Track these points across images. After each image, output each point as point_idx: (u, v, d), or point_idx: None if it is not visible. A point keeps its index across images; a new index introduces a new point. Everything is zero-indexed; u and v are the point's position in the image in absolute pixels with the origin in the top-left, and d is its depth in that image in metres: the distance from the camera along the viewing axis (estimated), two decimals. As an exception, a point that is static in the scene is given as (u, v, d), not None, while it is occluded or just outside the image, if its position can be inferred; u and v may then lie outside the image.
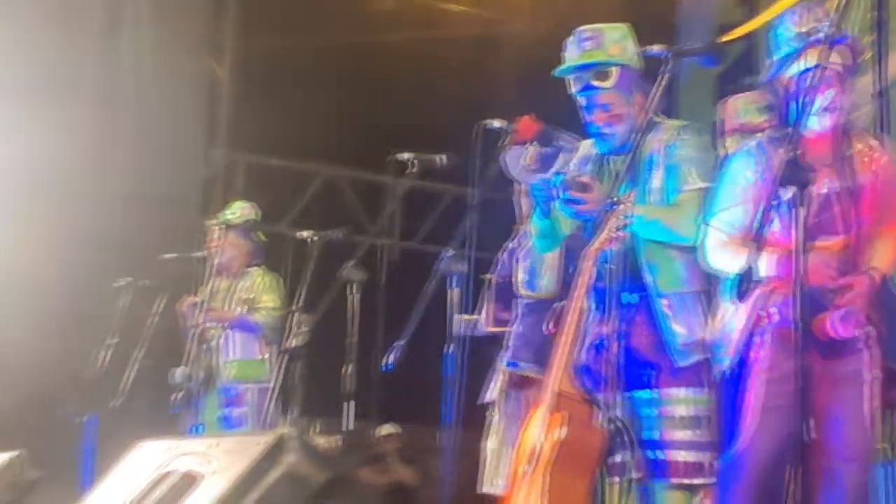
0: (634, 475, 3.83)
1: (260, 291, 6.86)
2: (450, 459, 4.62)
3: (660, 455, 4.03)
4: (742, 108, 5.11)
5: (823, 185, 3.78)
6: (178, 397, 6.13)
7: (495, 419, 5.14)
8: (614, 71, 4.19)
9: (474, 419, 5.06)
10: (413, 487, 9.15)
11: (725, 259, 3.85)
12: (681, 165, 4.14)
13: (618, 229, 3.83)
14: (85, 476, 6.28)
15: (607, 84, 4.19)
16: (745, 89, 5.29)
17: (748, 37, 7.39)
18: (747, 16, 7.92)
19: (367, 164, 9.62)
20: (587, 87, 4.22)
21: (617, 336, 3.75)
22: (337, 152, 9.87)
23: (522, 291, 5.09)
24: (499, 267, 5.40)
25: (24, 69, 8.33)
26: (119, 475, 3.23)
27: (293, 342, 5.17)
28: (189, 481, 2.86)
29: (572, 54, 4.25)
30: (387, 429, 9.53)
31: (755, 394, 3.72)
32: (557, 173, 4.22)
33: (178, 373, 6.26)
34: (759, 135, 4.10)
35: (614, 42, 4.22)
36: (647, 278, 4.08)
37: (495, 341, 5.27)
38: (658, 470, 4.03)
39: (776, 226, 3.74)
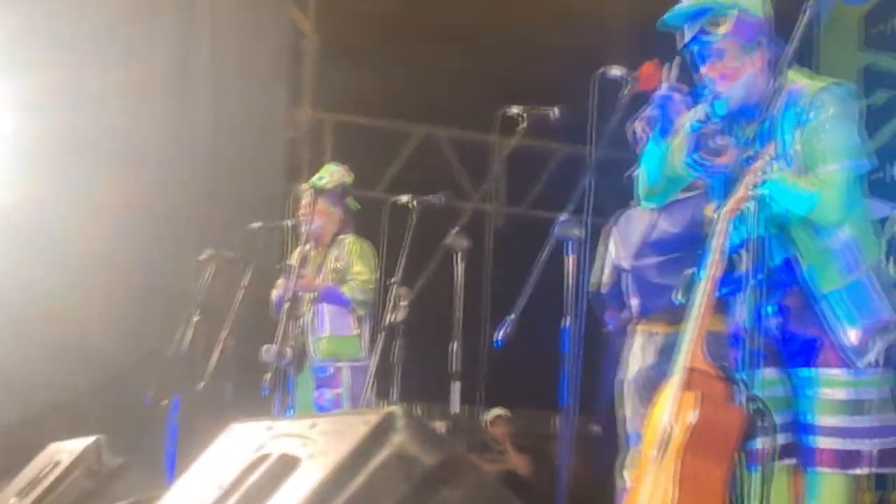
0: (786, 462, 3.80)
1: (351, 261, 6.88)
2: (567, 446, 4.60)
3: (813, 441, 3.97)
4: None
5: None
6: (268, 378, 6.18)
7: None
8: (732, 15, 4.05)
9: (593, 401, 5.05)
10: (525, 476, 9.17)
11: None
12: (819, 138, 4.01)
13: (754, 187, 3.77)
14: (169, 462, 6.39)
15: (722, 30, 4.05)
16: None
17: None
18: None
19: (467, 121, 9.60)
20: (699, 35, 4.08)
21: (766, 307, 3.70)
22: (434, 109, 9.89)
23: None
24: None
25: (97, 30, 8.46)
26: (211, 459, 3.29)
27: (392, 317, 5.19)
28: (286, 465, 2.89)
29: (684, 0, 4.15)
30: (496, 412, 9.56)
31: None
32: (696, 122, 4.13)
33: (269, 351, 6.32)
34: None
35: None
36: (803, 275, 4.00)
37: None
38: (811, 457, 3.98)
39: None
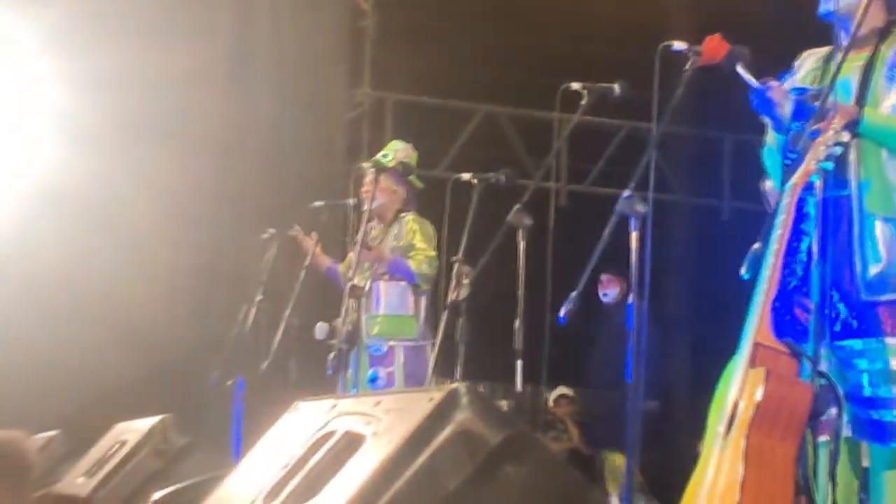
0: (846, 434, 3.76)
1: (412, 239, 6.86)
2: (633, 425, 4.58)
3: (873, 415, 3.94)
4: None
5: None
6: (332, 357, 6.19)
7: None
8: None
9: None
10: (590, 456, 9.16)
11: None
12: None
13: (818, 162, 3.74)
14: (235, 441, 6.44)
15: None
16: None
17: None
18: None
19: (528, 99, 9.58)
20: None
21: (826, 278, 3.67)
22: (495, 87, 9.87)
23: None
24: None
25: (158, 13, 8.51)
26: (277, 437, 3.31)
27: (455, 295, 5.18)
28: (351, 443, 2.91)
29: None
30: (560, 392, 9.55)
31: None
32: (797, 89, 4.10)
33: (322, 329, 6.32)
34: None
35: None
36: (853, 191, 3.97)
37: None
38: (870, 432, 3.95)
39: None
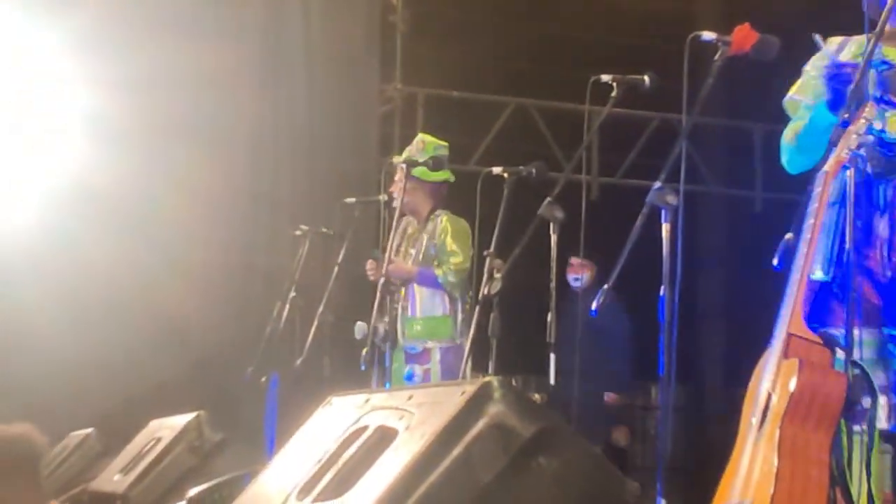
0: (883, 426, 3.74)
1: (444, 241, 6.79)
2: (666, 417, 4.57)
3: None
4: None
5: None
6: (366, 353, 6.18)
7: None
8: None
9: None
10: (623, 448, 9.15)
11: None
12: None
13: (850, 150, 3.71)
14: (269, 438, 6.45)
15: None
16: None
17: None
18: None
19: (559, 91, 9.56)
20: None
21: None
22: (525, 80, 9.86)
23: None
24: None
25: (189, 12, 8.53)
26: (311, 432, 3.32)
27: (487, 290, 5.17)
28: (384, 437, 2.91)
29: None
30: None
31: None
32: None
33: (360, 328, 6.32)
34: None
35: None
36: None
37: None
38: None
39: None
